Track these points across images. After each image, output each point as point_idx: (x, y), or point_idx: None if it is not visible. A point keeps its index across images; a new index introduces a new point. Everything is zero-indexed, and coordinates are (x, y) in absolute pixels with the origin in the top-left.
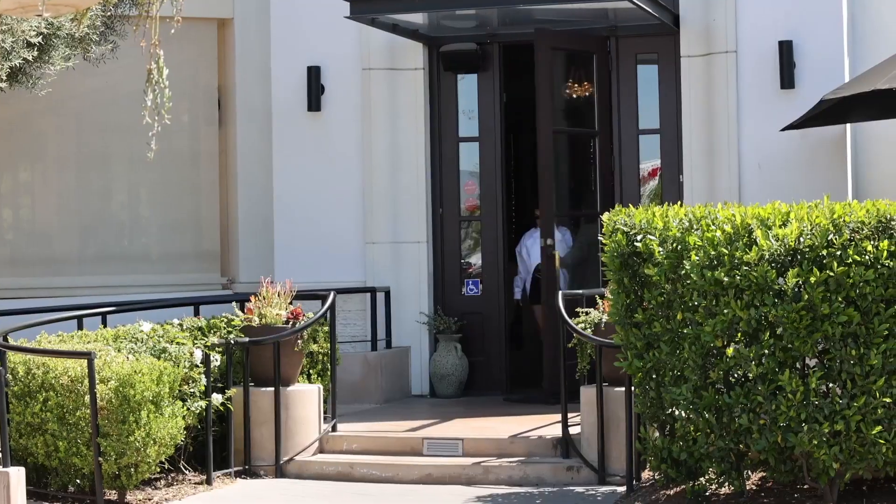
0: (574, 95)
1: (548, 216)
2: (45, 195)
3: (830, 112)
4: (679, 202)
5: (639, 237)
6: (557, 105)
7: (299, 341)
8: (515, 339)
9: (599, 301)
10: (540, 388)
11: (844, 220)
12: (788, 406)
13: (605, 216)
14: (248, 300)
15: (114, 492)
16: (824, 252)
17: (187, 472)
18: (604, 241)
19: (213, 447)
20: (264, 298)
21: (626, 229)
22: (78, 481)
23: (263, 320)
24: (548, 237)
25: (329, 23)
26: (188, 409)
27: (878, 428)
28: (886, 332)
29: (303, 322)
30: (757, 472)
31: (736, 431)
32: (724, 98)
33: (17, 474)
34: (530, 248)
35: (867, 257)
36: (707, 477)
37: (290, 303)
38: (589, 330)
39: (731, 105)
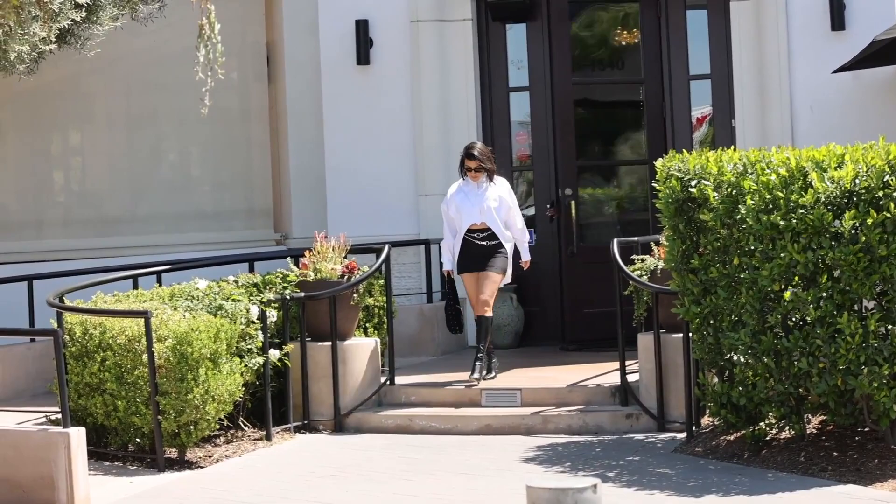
0: (623, 42)
1: (568, 165)
2: (95, 156)
3: (882, 53)
4: (731, 147)
5: (693, 182)
6: (601, 53)
7: (355, 295)
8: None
9: (655, 248)
10: (598, 338)
11: None
12: (847, 349)
13: (658, 162)
14: (303, 255)
15: (174, 450)
16: (880, 193)
17: (246, 428)
18: (657, 188)
19: (271, 403)
20: (319, 253)
21: (680, 175)
22: (138, 440)
23: (318, 275)
24: (566, 187)
25: None
26: (246, 365)
27: None
28: None
29: (358, 276)
30: (817, 416)
31: (795, 375)
32: (774, 41)
33: (78, 434)
34: (460, 205)
35: None
36: (767, 422)
37: (345, 257)
38: (645, 277)
39: (782, 48)
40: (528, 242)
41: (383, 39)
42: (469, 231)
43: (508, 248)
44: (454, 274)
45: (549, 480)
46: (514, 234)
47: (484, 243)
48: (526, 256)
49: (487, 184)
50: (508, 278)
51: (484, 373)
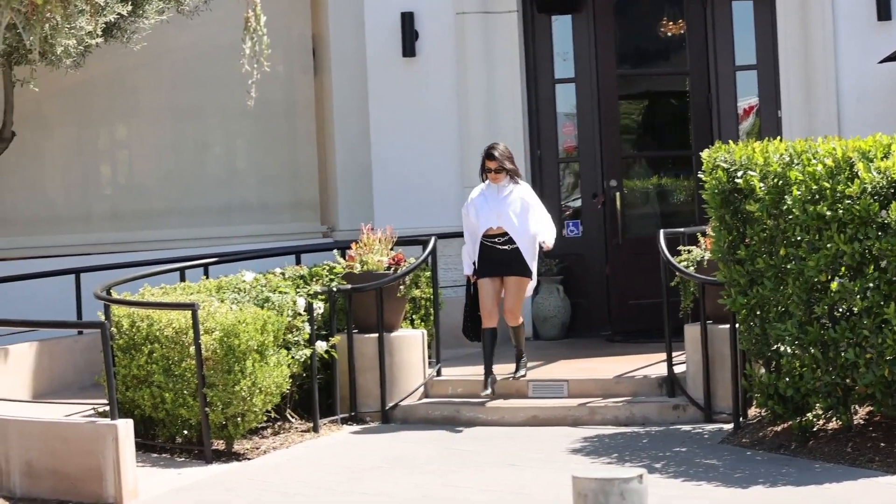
0: (669, 34)
1: (613, 157)
2: (142, 149)
3: None
4: (778, 138)
5: (739, 173)
6: (647, 45)
7: (401, 287)
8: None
9: (701, 238)
10: (644, 329)
11: None
12: (894, 339)
13: (704, 153)
14: (349, 247)
15: (221, 442)
16: None
17: (294, 420)
18: (703, 179)
19: (318, 395)
20: (365, 245)
21: (726, 166)
22: (185, 432)
23: (365, 267)
24: (611, 179)
25: None
26: (293, 357)
27: None
28: None
29: (404, 268)
30: (864, 407)
31: (842, 366)
32: (820, 31)
33: (126, 426)
34: (479, 208)
35: None
36: (814, 412)
37: (391, 249)
38: (691, 268)
39: (828, 38)
40: (571, 234)
41: (429, 31)
42: (487, 236)
43: (532, 250)
44: (473, 279)
45: (594, 471)
46: (537, 229)
47: (505, 248)
48: (543, 238)
49: (510, 187)
50: (534, 282)
51: (519, 373)
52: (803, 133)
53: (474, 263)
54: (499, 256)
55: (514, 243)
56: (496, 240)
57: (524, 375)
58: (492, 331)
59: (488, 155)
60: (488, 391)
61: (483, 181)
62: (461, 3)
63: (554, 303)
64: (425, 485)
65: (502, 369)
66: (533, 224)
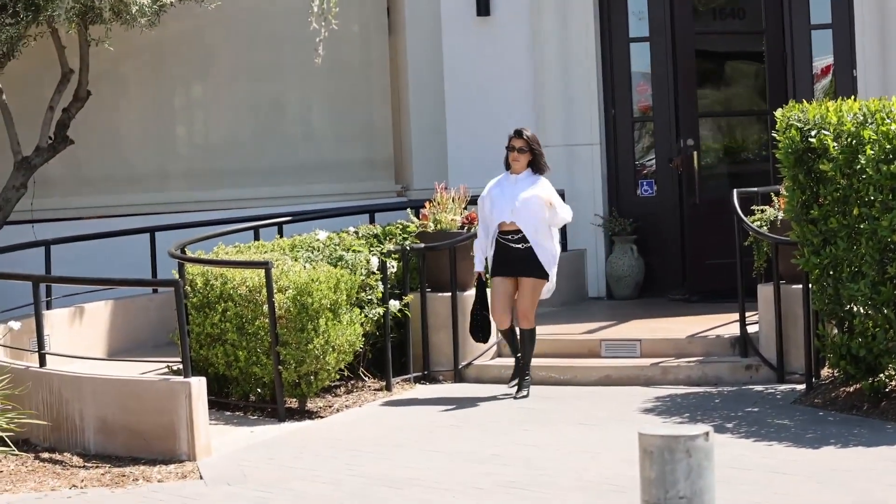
0: None
1: (690, 115)
2: (217, 108)
3: None
4: (853, 97)
5: (813, 133)
6: (722, 3)
7: None
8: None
9: (774, 198)
10: (717, 288)
11: None
12: None
13: (777, 113)
14: (423, 206)
15: (294, 400)
16: None
17: (367, 378)
18: (777, 138)
19: (391, 353)
20: (439, 204)
21: (799, 125)
22: (258, 390)
23: (438, 226)
24: (688, 138)
25: None
26: (366, 316)
27: None
28: None
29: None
30: None
31: None
32: None
33: (199, 384)
34: (494, 200)
35: None
36: (886, 373)
37: (465, 208)
38: (765, 228)
39: None
40: (645, 193)
41: None
42: (501, 232)
43: (550, 249)
44: (485, 276)
45: (661, 428)
46: (554, 221)
47: (519, 246)
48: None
49: (530, 179)
50: (553, 285)
51: (517, 386)
52: (879, 93)
53: (487, 259)
54: (513, 255)
55: (529, 242)
56: (509, 237)
57: (526, 396)
58: (507, 331)
59: (516, 132)
60: (511, 385)
61: (506, 168)
62: None
63: (628, 262)
64: (495, 443)
65: (581, 327)
66: (550, 219)
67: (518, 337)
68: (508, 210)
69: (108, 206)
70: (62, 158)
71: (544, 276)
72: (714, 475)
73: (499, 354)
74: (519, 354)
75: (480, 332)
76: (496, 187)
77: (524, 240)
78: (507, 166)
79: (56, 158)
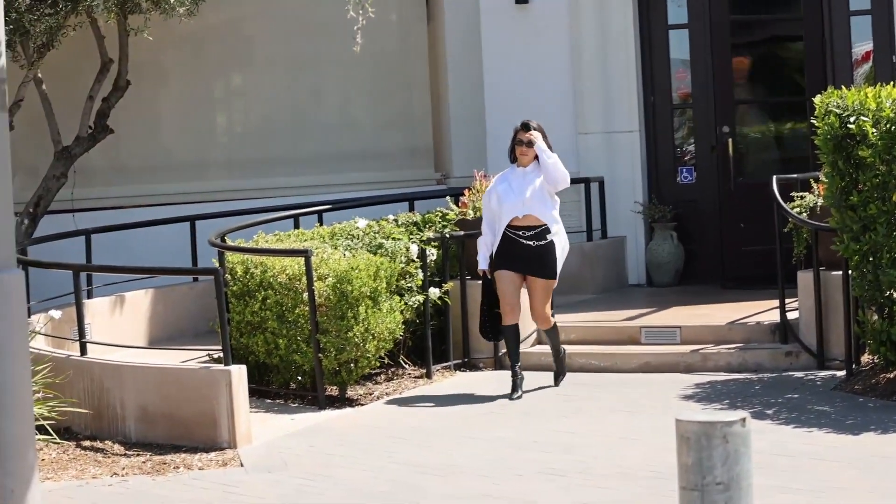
0: None
1: (725, 103)
2: (256, 97)
3: None
4: (892, 83)
5: (852, 119)
6: None
7: None
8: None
9: (814, 184)
10: (757, 275)
11: None
12: None
13: (816, 99)
14: (462, 194)
15: (334, 387)
16: None
17: (407, 366)
18: (816, 124)
19: (431, 341)
20: (478, 192)
21: (838, 111)
22: (299, 378)
23: (478, 213)
24: (724, 125)
25: None
26: (406, 303)
27: None
28: None
29: None
30: None
31: None
32: None
33: (239, 372)
34: (502, 195)
35: None
36: None
37: None
38: (804, 214)
39: None
40: (685, 180)
41: None
42: (512, 227)
43: (559, 242)
44: (490, 274)
45: (698, 414)
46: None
47: (531, 243)
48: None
49: (537, 171)
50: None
51: (560, 378)
52: None
53: (491, 256)
54: (522, 252)
55: (541, 240)
56: (521, 232)
57: (563, 377)
58: (513, 327)
59: (523, 125)
60: (518, 394)
61: (512, 161)
62: None
63: (668, 249)
64: (535, 430)
65: (621, 314)
66: (546, 177)
67: (519, 338)
68: (519, 203)
69: (147, 195)
70: (102, 148)
71: (554, 275)
72: (751, 461)
73: (539, 342)
74: (519, 365)
75: (492, 332)
76: (502, 182)
77: (536, 237)
78: (513, 159)
79: (96, 148)
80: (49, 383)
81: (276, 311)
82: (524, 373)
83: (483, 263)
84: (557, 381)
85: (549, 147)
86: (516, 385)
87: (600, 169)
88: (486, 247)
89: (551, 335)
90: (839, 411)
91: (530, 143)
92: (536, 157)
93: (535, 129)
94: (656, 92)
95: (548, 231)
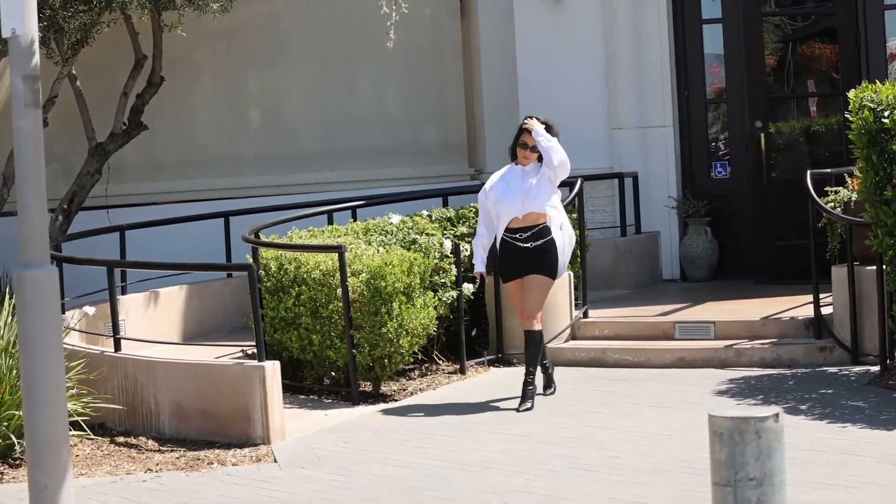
0: None
1: (757, 97)
2: (290, 93)
3: None
4: None
5: (886, 113)
6: None
7: None
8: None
9: (848, 179)
10: (791, 270)
11: None
12: None
13: (851, 93)
14: None
15: (368, 383)
16: None
17: (440, 361)
18: (850, 119)
19: (465, 336)
20: None
21: (872, 106)
22: (332, 374)
23: None
24: (756, 119)
25: None
26: (439, 299)
27: None
28: None
29: None
30: None
31: None
32: None
33: (273, 368)
34: (500, 195)
35: None
36: None
37: None
38: (838, 209)
39: None
40: (719, 175)
41: None
42: (509, 230)
43: (561, 239)
44: (487, 277)
45: (731, 409)
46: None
47: (528, 245)
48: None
49: (537, 170)
50: (563, 273)
51: (542, 391)
52: None
53: (488, 258)
54: (521, 255)
55: (539, 239)
56: (518, 235)
57: (530, 408)
58: (534, 332)
59: (527, 130)
60: (527, 406)
61: (513, 159)
62: None
63: (702, 244)
64: (568, 425)
65: (655, 309)
66: (545, 159)
67: (539, 345)
68: (519, 202)
69: (181, 191)
70: (136, 144)
71: (553, 274)
72: (784, 456)
73: (573, 337)
74: (546, 361)
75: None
76: (500, 181)
77: (534, 237)
78: (513, 157)
79: (130, 144)
80: (83, 379)
81: (309, 307)
82: (555, 368)
83: (479, 265)
84: (547, 368)
85: (557, 136)
86: (526, 395)
87: (634, 164)
88: (481, 248)
89: (537, 339)
90: (873, 406)
91: (534, 149)
92: (539, 159)
93: (543, 120)
94: (690, 86)
95: (548, 230)
